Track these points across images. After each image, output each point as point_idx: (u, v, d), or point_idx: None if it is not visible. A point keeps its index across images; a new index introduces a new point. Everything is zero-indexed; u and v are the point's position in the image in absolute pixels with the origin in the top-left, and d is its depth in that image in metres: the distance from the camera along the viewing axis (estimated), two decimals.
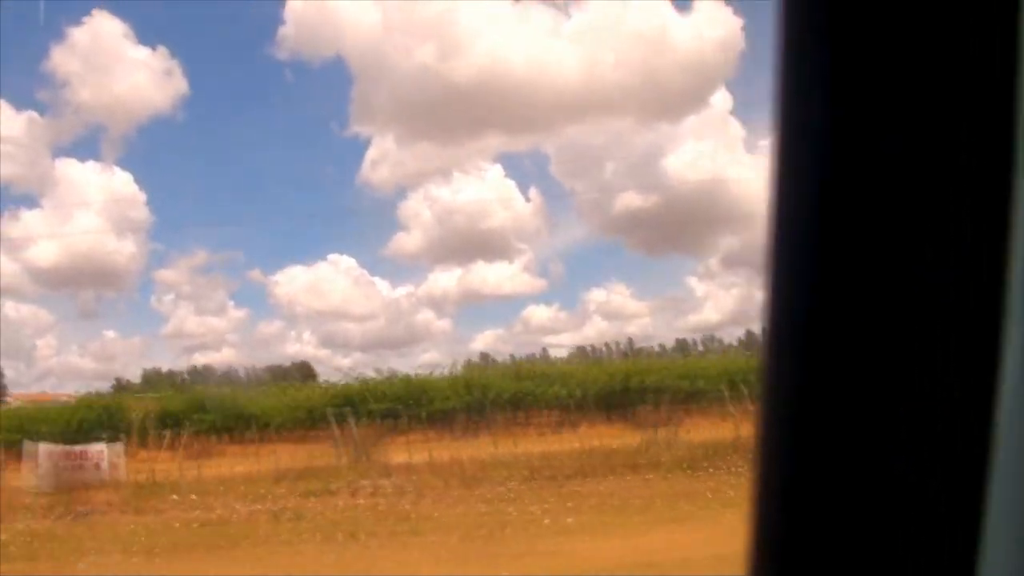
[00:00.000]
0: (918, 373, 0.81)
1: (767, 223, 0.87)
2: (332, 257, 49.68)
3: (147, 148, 50.66)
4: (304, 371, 45.96)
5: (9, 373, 46.60)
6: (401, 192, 65.08)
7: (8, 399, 41.85)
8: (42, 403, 38.21)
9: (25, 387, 45.68)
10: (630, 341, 49.79)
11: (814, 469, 0.84)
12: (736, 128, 46.82)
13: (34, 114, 50.85)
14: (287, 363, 49.47)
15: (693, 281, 57.70)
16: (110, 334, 53.18)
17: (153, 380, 46.19)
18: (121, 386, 45.61)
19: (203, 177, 53.65)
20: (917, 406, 0.81)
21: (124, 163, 49.61)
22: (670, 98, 46.02)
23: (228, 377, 46.67)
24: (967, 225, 0.81)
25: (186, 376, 49.11)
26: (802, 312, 0.85)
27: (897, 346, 0.80)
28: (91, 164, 48.30)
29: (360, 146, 59.68)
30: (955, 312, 0.81)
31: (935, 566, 0.81)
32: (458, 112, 46.85)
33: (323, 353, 53.84)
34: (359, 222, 60.56)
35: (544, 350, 50.50)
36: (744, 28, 41.47)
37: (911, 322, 0.80)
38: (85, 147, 56.58)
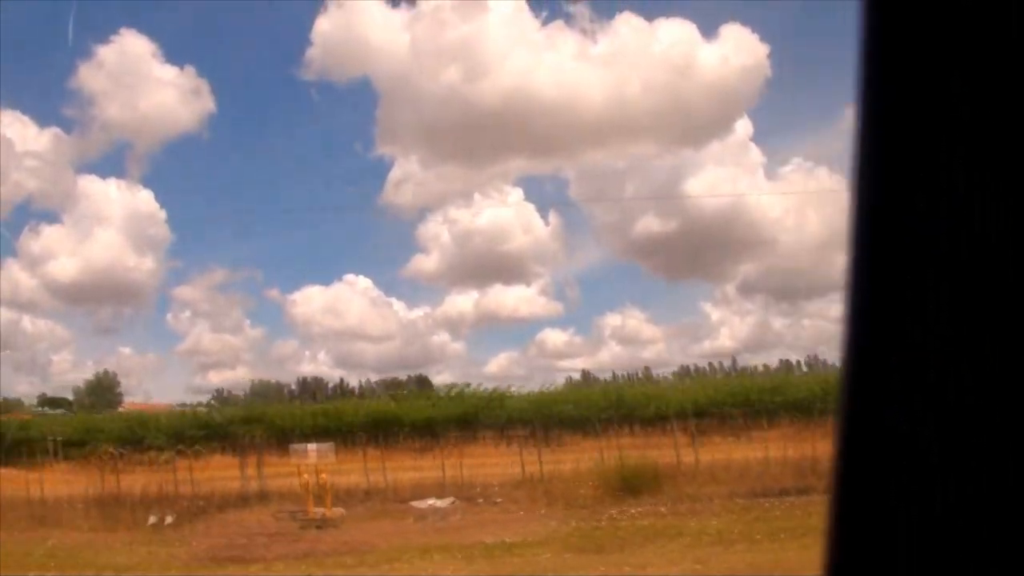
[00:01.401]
0: None
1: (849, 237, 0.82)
2: (349, 278, 51.47)
3: (172, 166, 52.93)
4: (422, 383, 47.48)
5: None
6: (423, 214, 64.79)
7: (122, 407, 44.36)
8: (156, 410, 41.01)
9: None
10: (646, 369, 51.12)
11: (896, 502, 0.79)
12: (756, 154, 47.34)
13: (58, 131, 53.71)
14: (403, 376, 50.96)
15: (708, 307, 59.56)
16: (125, 350, 55.82)
17: (261, 392, 49.10)
18: (224, 398, 48.64)
19: (225, 196, 54.65)
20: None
21: (148, 181, 50.75)
22: (694, 124, 46.09)
23: (341, 389, 48.77)
24: None
25: (293, 388, 51.92)
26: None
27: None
28: (113, 181, 49.99)
29: (384, 167, 61.25)
30: None
31: None
32: (482, 135, 47.36)
33: (337, 373, 56.42)
34: (379, 243, 61.24)
35: (647, 369, 51.73)
36: (769, 55, 42.66)
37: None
38: (109, 164, 59.33)
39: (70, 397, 47.91)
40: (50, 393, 46.71)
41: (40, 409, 43.82)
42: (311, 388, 51.95)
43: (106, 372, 50.73)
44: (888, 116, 0.80)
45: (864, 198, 0.82)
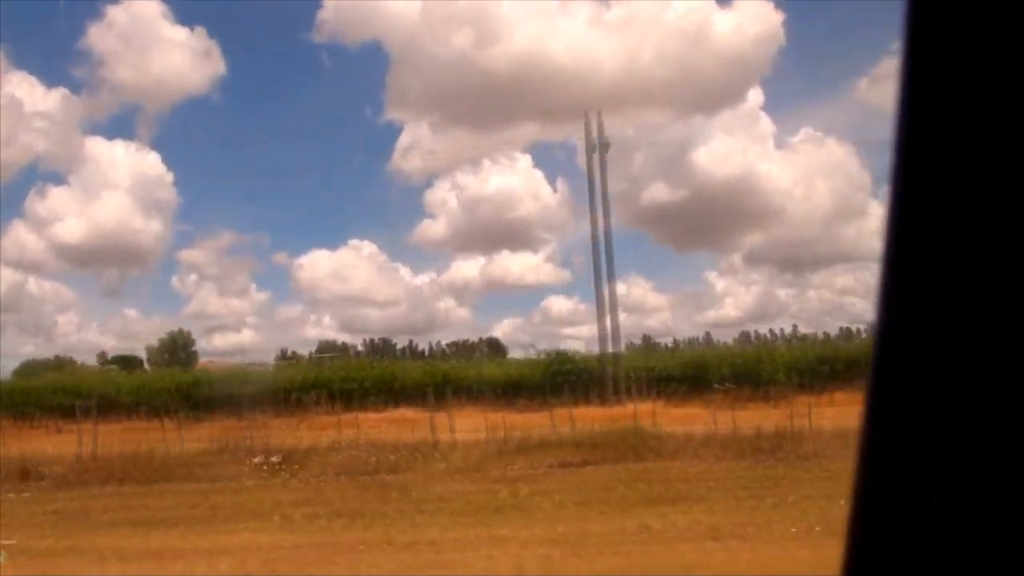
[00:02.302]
0: None
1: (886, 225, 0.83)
2: (356, 242, 51.95)
3: (181, 128, 51.95)
4: (494, 347, 47.95)
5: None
6: (431, 179, 64.44)
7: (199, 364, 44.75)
8: (234, 368, 41.41)
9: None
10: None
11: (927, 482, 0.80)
12: (767, 124, 47.37)
13: (67, 91, 53.58)
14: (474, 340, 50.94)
15: (714, 276, 58.79)
16: (131, 312, 55.92)
17: (326, 349, 48.92)
18: (286, 356, 48.62)
19: (235, 159, 54.79)
20: None
21: (158, 143, 51.29)
22: (707, 92, 45.40)
23: (411, 351, 48.58)
24: None
25: (360, 349, 51.79)
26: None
27: None
28: (120, 143, 50.07)
29: (393, 132, 61.66)
30: None
31: None
32: (493, 100, 47.06)
33: (343, 337, 53.91)
34: (387, 208, 60.75)
35: (707, 334, 51.20)
36: (784, 23, 42.70)
37: None
38: (118, 126, 59.42)
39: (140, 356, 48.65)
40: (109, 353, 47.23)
41: (113, 367, 44.36)
42: (379, 349, 52.11)
43: (180, 331, 51.08)
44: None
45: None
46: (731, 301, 53.39)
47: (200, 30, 50.31)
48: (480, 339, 50.53)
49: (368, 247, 52.28)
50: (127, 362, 46.44)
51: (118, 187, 46.75)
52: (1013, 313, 0.76)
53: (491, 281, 54.90)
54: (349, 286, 52.13)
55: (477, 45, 48.26)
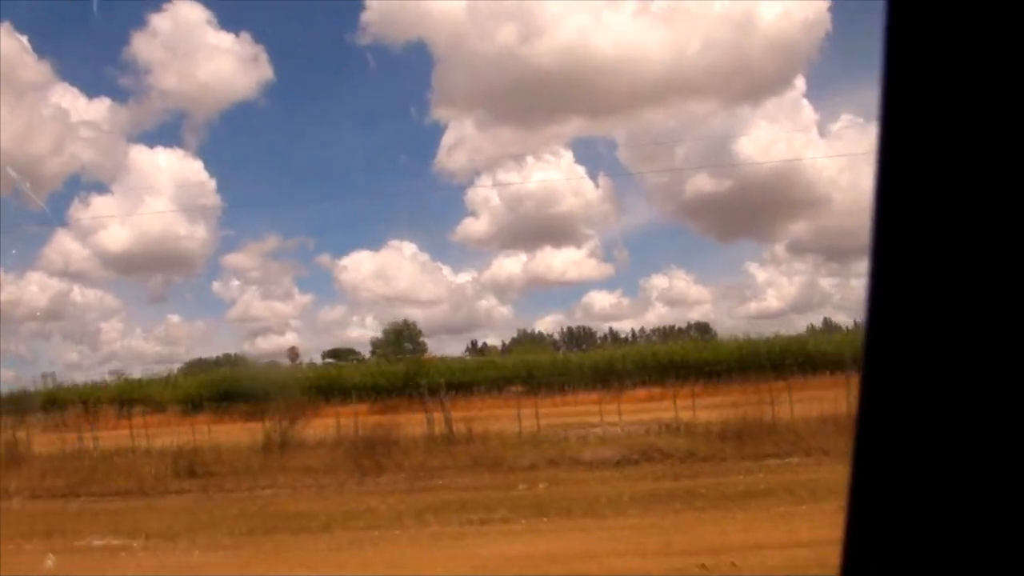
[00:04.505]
0: None
1: (872, 213, 0.85)
2: (398, 243, 50.27)
3: (229, 134, 49.80)
4: (702, 329, 47.52)
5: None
6: (476, 177, 60.94)
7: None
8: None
9: None
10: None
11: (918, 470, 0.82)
12: (811, 111, 46.09)
13: (113, 101, 53.72)
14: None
15: (755, 267, 60.18)
16: (174, 318, 53.35)
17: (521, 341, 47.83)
18: (479, 350, 49.30)
19: (280, 163, 52.41)
20: None
21: (205, 149, 48.67)
22: (754, 81, 44.97)
23: (613, 337, 47.82)
24: None
25: (557, 339, 52.02)
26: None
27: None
28: (161, 151, 49.05)
29: (438, 132, 58.34)
30: None
31: None
32: (538, 96, 45.75)
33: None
34: (430, 208, 59.31)
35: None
36: (830, 8, 41.85)
37: None
38: (165, 134, 56.32)
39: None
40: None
41: (330, 360, 44.75)
42: (576, 337, 52.82)
43: (405, 322, 49.60)
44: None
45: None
46: (773, 292, 53.02)
47: (245, 35, 49.77)
48: (688, 324, 50.01)
49: (410, 247, 51.45)
50: (344, 355, 46.40)
51: (162, 194, 46.56)
52: (999, 305, 0.77)
53: (533, 278, 54.44)
54: (391, 286, 51.18)
55: (521, 41, 46.59)
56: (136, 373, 42.10)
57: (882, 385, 0.84)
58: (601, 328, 57.33)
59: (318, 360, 45.99)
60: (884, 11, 0.83)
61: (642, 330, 53.26)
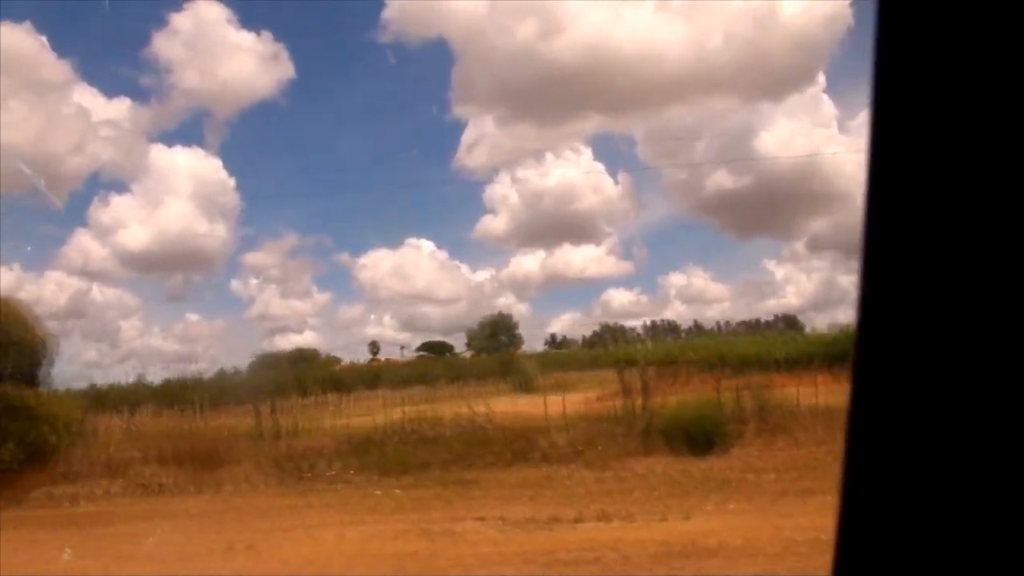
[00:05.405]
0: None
1: (864, 213, 0.88)
2: (417, 241, 47.11)
3: (251, 133, 47.73)
4: (789, 322, 46.49)
5: None
6: (492, 175, 57.80)
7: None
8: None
9: None
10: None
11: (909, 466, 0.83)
12: (831, 107, 43.87)
13: (133, 100, 49.94)
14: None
15: (774, 264, 55.82)
16: (193, 316, 51.01)
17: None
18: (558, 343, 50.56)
19: (300, 161, 50.08)
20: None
21: (226, 148, 46.65)
22: (775, 76, 42.85)
23: (698, 328, 47.20)
24: None
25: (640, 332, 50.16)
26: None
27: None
28: (183, 150, 45.94)
29: (458, 130, 54.68)
30: None
31: None
32: (558, 93, 43.89)
33: (403, 336, 52.78)
34: (449, 206, 55.66)
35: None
36: (852, 3, 38.36)
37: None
38: (184, 133, 54.96)
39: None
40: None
41: (423, 354, 45.60)
42: (660, 330, 52.31)
43: (500, 314, 49.43)
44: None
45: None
46: (792, 289, 51.11)
47: (266, 34, 47.35)
48: (776, 316, 48.32)
49: (428, 245, 48.39)
50: (438, 348, 47.23)
51: (182, 193, 44.40)
52: (988, 303, 0.79)
53: (551, 275, 52.18)
54: (410, 285, 48.84)
55: (542, 37, 43.85)
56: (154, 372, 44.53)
57: (874, 383, 0.86)
58: (687, 321, 55.86)
59: (405, 355, 46.98)
60: (874, 15, 0.86)
61: (727, 322, 51.22)
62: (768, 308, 59.31)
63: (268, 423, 20.52)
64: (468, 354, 46.53)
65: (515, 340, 47.73)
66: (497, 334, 47.87)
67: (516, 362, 36.13)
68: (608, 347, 36.52)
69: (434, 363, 38.34)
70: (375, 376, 34.43)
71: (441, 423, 18.71)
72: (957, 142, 0.81)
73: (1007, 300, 0.78)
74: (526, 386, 30.80)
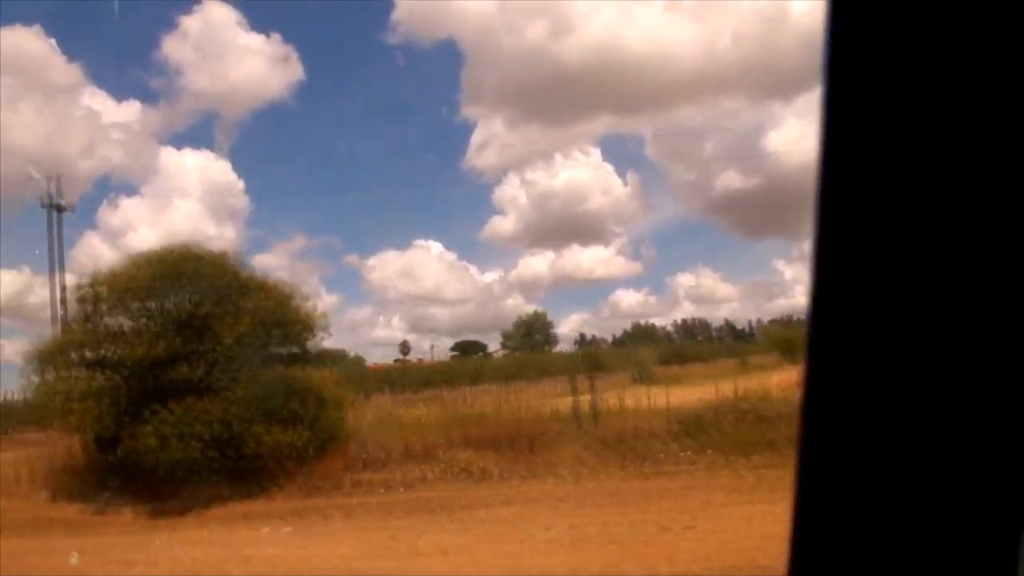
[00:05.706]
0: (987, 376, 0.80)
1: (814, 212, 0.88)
2: (426, 242, 48.14)
3: (259, 135, 48.27)
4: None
5: None
6: (501, 176, 59.77)
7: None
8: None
9: None
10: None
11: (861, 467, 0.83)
12: None
13: (143, 103, 51.80)
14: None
15: (783, 264, 55.54)
16: None
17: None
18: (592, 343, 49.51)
19: (311, 163, 51.10)
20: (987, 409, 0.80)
21: (235, 150, 47.70)
22: (785, 76, 41.87)
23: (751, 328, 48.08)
24: None
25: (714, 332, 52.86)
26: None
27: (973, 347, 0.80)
28: (192, 152, 47.11)
29: (468, 131, 55.76)
30: None
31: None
32: (567, 93, 44.21)
33: (411, 338, 52.37)
34: (458, 207, 57.51)
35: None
36: None
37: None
38: (193, 135, 55.55)
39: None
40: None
41: (455, 354, 44.42)
42: (691, 328, 54.61)
43: (535, 312, 48.27)
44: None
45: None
46: (801, 289, 49.94)
47: (275, 36, 47.31)
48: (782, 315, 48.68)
49: (437, 246, 49.03)
50: (471, 348, 45.75)
51: (191, 195, 44.28)
52: (940, 300, 0.80)
53: (560, 276, 53.09)
54: (419, 286, 49.37)
55: (551, 38, 45.17)
56: None
57: (826, 379, 0.85)
58: (716, 319, 56.97)
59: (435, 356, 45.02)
60: (825, 17, 0.90)
61: (759, 320, 52.52)
62: (778, 308, 60.53)
63: (580, 406, 18.71)
64: (502, 353, 45.03)
65: (550, 339, 47.01)
66: (532, 333, 46.80)
67: (632, 355, 35.60)
68: (695, 342, 36.32)
69: (524, 359, 36.71)
70: (477, 372, 32.71)
71: (768, 399, 17.85)
72: (903, 140, 0.82)
73: (956, 297, 0.79)
74: (645, 378, 30.12)
